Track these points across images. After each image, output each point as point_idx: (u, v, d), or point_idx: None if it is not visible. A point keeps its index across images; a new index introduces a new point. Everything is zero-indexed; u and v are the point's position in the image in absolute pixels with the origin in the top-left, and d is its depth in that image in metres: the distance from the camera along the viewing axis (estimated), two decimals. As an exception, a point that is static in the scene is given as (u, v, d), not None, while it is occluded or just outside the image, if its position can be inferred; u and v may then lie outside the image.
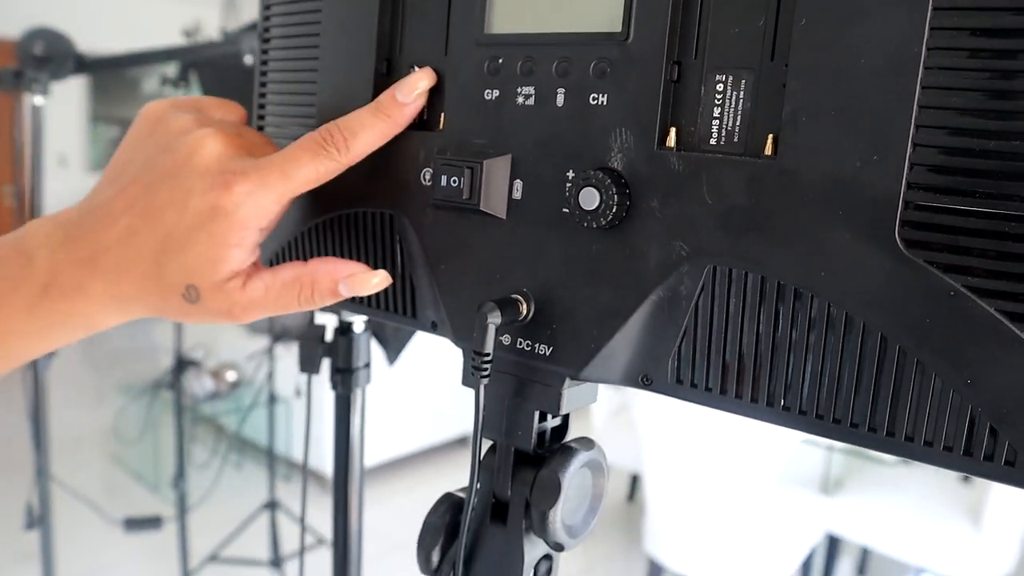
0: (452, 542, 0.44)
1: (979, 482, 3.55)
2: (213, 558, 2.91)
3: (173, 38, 7.13)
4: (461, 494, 0.45)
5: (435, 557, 0.44)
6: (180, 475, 2.55)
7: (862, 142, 0.32)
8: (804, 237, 0.33)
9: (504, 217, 0.41)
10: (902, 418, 0.32)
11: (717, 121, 0.36)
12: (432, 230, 0.44)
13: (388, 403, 3.78)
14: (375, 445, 3.90)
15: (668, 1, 0.36)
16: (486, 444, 0.44)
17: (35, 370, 1.56)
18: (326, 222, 0.50)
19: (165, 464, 3.91)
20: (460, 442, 4.51)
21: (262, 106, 0.54)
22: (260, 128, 0.54)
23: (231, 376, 4.18)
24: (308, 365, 0.72)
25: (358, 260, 0.49)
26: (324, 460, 3.87)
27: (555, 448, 0.42)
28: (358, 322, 0.73)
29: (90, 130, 6.76)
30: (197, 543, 2.74)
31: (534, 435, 0.42)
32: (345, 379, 0.72)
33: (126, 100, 6.89)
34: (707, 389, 0.37)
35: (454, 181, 0.41)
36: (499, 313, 0.39)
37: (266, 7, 0.53)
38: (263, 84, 0.54)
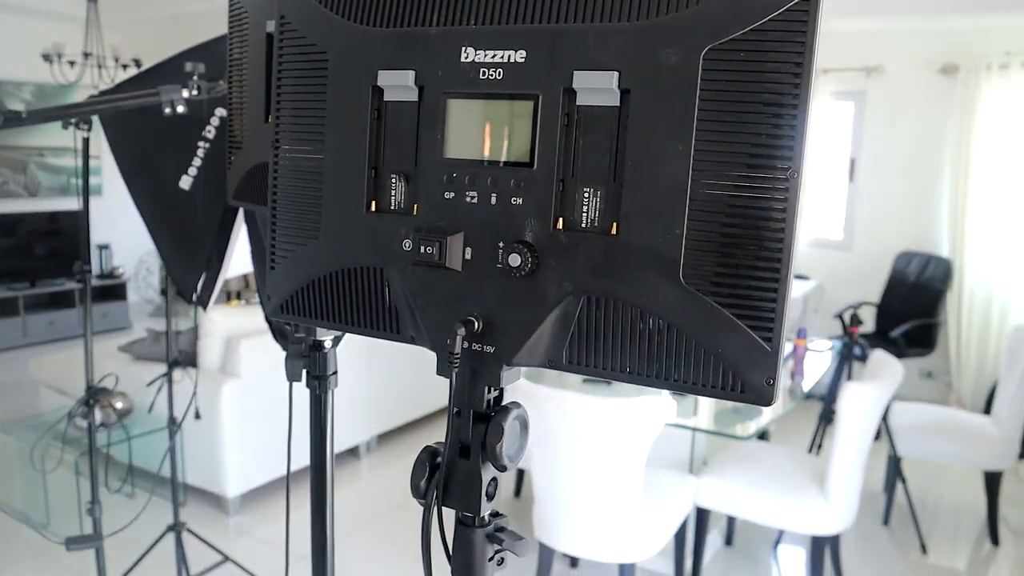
0: (433, 475, 0.70)
1: (824, 451, 4.02)
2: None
3: (33, 58, 6.83)
4: (436, 445, 0.71)
5: (423, 485, 0.70)
6: (94, 500, 2.65)
7: (662, 228, 0.60)
8: (635, 279, 0.62)
9: (460, 270, 0.68)
10: (687, 372, 0.61)
11: (585, 214, 0.64)
12: (412, 278, 0.70)
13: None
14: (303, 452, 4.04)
15: (556, 146, 0.64)
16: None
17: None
18: (331, 274, 0.75)
19: (52, 500, 3.91)
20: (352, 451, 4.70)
21: (274, 203, 0.78)
22: (273, 219, 0.78)
23: (119, 404, 4.19)
24: (292, 375, 0.96)
25: (356, 299, 0.74)
26: (221, 483, 3.98)
27: (497, 408, 0.69)
28: (327, 340, 0.97)
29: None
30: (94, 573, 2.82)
31: (484, 401, 0.69)
32: (320, 384, 0.96)
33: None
34: (587, 365, 0.65)
35: (429, 249, 0.67)
36: (464, 329, 0.66)
37: (276, 127, 0.78)
38: (275, 183, 0.78)
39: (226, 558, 3.35)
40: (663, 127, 0.60)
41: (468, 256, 0.68)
